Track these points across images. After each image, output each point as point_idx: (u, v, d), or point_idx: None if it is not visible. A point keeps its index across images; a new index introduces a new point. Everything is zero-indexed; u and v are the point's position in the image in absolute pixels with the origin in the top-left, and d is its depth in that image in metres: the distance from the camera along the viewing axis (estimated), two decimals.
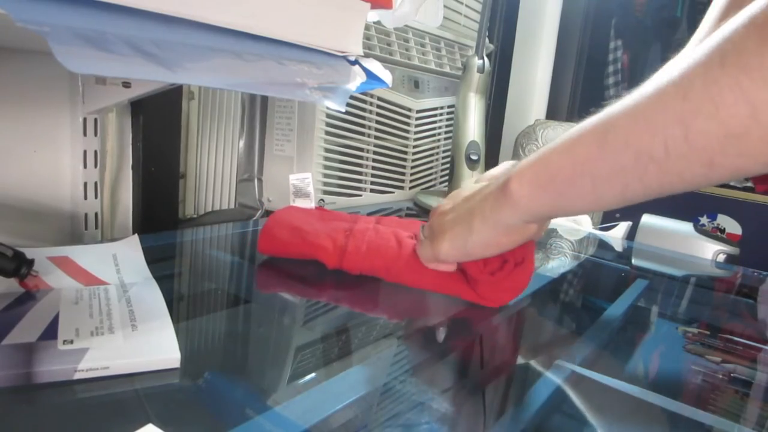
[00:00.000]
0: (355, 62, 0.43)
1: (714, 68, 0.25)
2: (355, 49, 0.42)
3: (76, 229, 0.57)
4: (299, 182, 0.58)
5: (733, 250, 0.79)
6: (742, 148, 0.25)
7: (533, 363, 0.38)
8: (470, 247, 0.41)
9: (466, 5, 1.05)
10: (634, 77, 2.03)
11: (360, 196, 0.89)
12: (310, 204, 0.59)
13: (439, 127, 1.05)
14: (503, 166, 0.58)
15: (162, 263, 0.47)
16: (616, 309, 0.51)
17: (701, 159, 0.27)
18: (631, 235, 0.90)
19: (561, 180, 0.34)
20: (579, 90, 1.91)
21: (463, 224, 0.41)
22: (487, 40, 0.91)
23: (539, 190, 0.35)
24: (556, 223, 0.94)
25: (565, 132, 0.35)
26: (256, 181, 0.84)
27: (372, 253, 0.48)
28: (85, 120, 0.55)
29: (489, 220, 0.39)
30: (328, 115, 0.79)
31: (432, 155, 1.05)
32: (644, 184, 0.30)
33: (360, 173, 0.88)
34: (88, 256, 0.42)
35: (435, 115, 1.02)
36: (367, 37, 0.84)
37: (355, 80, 0.42)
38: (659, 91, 0.28)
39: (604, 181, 0.32)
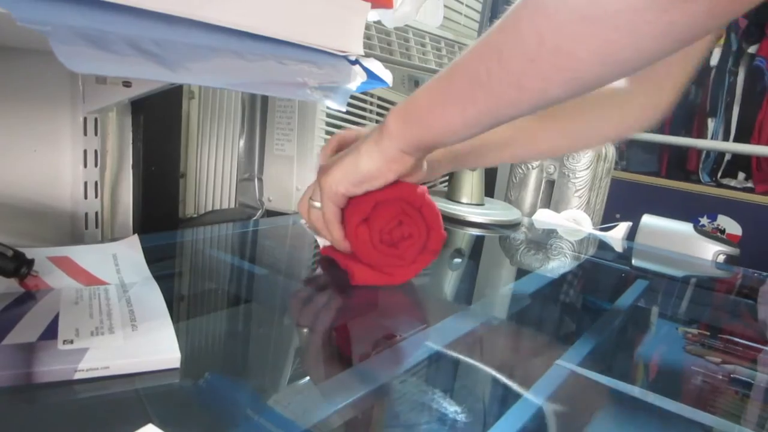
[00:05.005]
0: (356, 62, 0.43)
1: (519, 7, 0.31)
2: (356, 48, 0.42)
3: (76, 229, 0.57)
4: None
5: (733, 250, 0.79)
6: (539, 71, 0.31)
7: (533, 363, 0.38)
8: (359, 174, 0.44)
9: (466, 5, 1.05)
10: None
11: None
12: None
13: None
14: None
15: (162, 263, 0.47)
16: (616, 309, 0.51)
17: (512, 81, 0.32)
18: (631, 235, 0.90)
19: (420, 110, 0.40)
20: None
21: (351, 156, 0.44)
22: None
23: (405, 121, 0.41)
24: (557, 223, 0.94)
25: None
26: (256, 180, 0.84)
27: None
28: (85, 119, 0.55)
29: (373, 150, 0.43)
30: (329, 115, 0.79)
31: None
32: (476, 108, 0.36)
33: None
34: (88, 256, 0.42)
35: None
36: (367, 37, 0.83)
37: (356, 80, 0.42)
38: (489, 30, 0.34)
39: (448, 107, 0.37)
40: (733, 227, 1.80)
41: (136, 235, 0.47)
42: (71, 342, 0.29)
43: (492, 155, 0.56)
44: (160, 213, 0.65)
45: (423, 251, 0.47)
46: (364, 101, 0.85)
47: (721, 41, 1.80)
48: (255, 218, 0.81)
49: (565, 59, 0.29)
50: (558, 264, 0.66)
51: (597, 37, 0.27)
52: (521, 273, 0.61)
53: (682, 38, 0.27)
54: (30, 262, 0.37)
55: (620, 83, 0.49)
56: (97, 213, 0.58)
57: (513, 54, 0.31)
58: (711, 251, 0.80)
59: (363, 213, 0.45)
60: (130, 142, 0.61)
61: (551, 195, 1.13)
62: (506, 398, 0.33)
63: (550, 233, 0.86)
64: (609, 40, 0.27)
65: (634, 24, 0.26)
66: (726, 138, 1.83)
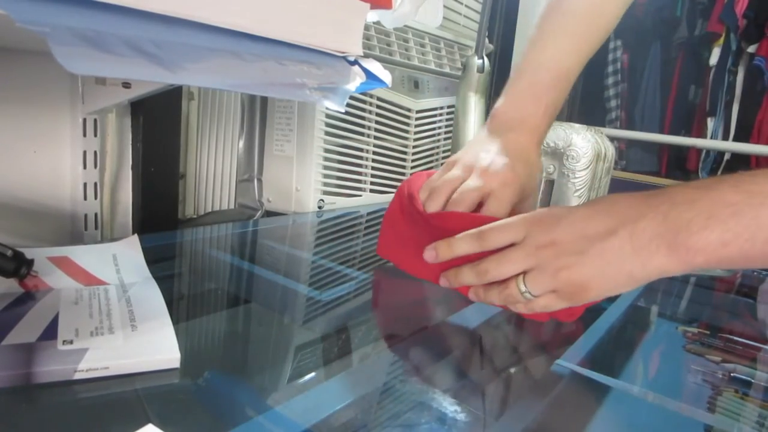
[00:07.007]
0: (355, 62, 0.43)
1: None
2: (355, 49, 0.42)
3: (75, 229, 0.57)
4: None
5: None
6: None
7: (533, 363, 0.38)
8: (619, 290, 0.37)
9: (466, 5, 1.05)
10: (634, 77, 2.03)
11: (360, 196, 0.89)
12: None
13: (439, 127, 1.05)
14: (477, 148, 0.48)
15: (162, 263, 0.47)
16: (616, 309, 0.51)
17: None
18: None
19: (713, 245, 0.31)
20: (579, 90, 1.91)
21: (615, 269, 0.35)
22: (486, 40, 0.91)
23: (750, 251, 0.32)
24: None
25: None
26: (255, 181, 0.84)
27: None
28: (85, 120, 0.55)
29: (653, 271, 0.34)
30: (328, 116, 0.79)
31: (432, 155, 1.05)
32: None
33: (360, 173, 0.88)
34: (87, 256, 0.42)
35: (435, 115, 1.02)
36: (366, 37, 0.83)
37: (355, 80, 0.42)
38: None
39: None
40: None
41: (135, 235, 0.47)
42: (71, 342, 0.29)
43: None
44: (159, 214, 0.65)
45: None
46: (364, 102, 0.85)
47: (721, 41, 1.80)
48: (255, 219, 0.81)
49: None
50: None
51: None
52: None
53: None
54: (30, 262, 0.37)
55: None
56: (96, 214, 0.58)
57: None
58: None
59: None
60: (130, 143, 0.61)
61: (551, 195, 1.13)
62: (506, 398, 0.33)
63: None
64: None
65: None
66: (725, 137, 1.83)
